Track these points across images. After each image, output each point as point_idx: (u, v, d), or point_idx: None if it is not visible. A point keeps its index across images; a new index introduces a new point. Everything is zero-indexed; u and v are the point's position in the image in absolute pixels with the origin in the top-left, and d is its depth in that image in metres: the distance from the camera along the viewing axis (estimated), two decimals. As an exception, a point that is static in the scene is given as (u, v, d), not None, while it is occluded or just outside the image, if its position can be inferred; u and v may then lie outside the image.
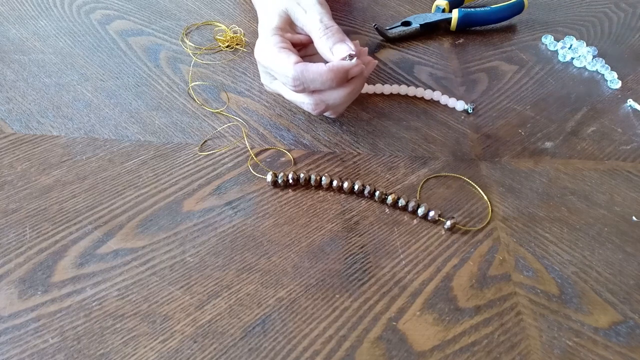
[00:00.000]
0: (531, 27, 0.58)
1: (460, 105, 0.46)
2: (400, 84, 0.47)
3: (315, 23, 0.37)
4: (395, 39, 0.54)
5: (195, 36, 0.52)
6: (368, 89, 0.47)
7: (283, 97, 0.41)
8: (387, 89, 0.47)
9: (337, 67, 0.35)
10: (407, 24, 0.54)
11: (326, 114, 0.40)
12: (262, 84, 0.47)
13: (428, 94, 0.47)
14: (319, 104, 0.37)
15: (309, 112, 0.43)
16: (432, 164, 0.41)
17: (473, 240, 0.36)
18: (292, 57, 0.36)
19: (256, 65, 0.49)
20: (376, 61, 0.40)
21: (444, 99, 0.46)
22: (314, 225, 0.36)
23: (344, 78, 0.36)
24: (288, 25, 0.39)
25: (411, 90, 0.47)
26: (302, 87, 0.36)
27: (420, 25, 0.54)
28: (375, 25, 0.53)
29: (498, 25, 0.58)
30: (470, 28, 0.57)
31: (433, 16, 0.55)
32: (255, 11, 0.53)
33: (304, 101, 0.38)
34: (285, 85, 0.37)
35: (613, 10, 0.62)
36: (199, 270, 0.33)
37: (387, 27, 0.54)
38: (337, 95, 0.37)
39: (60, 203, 0.36)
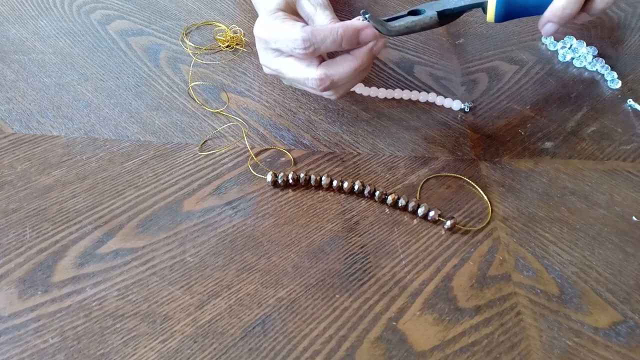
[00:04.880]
0: (531, 27, 0.58)
1: (456, 105, 0.46)
2: (394, 88, 0.47)
3: (323, 19, 0.37)
4: (402, 32, 0.37)
5: (195, 36, 0.52)
6: (363, 90, 0.47)
7: (284, 78, 0.40)
8: (382, 93, 0.47)
9: (348, 25, 0.34)
10: (415, 13, 0.38)
11: (327, 95, 0.39)
12: (262, 84, 0.47)
13: (423, 97, 0.47)
14: (323, 79, 0.36)
15: (311, 101, 0.43)
16: (432, 164, 0.41)
17: (473, 240, 0.36)
18: (298, 24, 0.35)
19: (256, 65, 0.49)
20: (386, 39, 0.38)
21: (440, 100, 0.46)
22: (314, 225, 0.36)
23: (354, 37, 0.35)
24: (291, 10, 0.39)
25: (406, 94, 0.47)
26: (313, 49, 0.34)
27: (439, 13, 0.38)
28: (365, 13, 0.36)
29: (498, 25, 0.58)
30: (510, 19, 0.41)
31: (457, 2, 0.39)
32: (255, 10, 0.53)
33: (309, 77, 0.36)
34: (293, 53, 0.35)
35: (613, 10, 0.62)
36: (199, 270, 0.33)
37: (386, 18, 0.37)
38: (343, 70, 0.36)
39: (60, 203, 0.36)
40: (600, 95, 0.49)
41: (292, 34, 0.34)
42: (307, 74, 0.36)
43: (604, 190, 0.40)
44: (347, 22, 0.35)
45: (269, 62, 0.38)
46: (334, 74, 0.36)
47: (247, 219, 0.36)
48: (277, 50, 0.37)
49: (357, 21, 0.35)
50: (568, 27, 0.58)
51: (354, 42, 0.35)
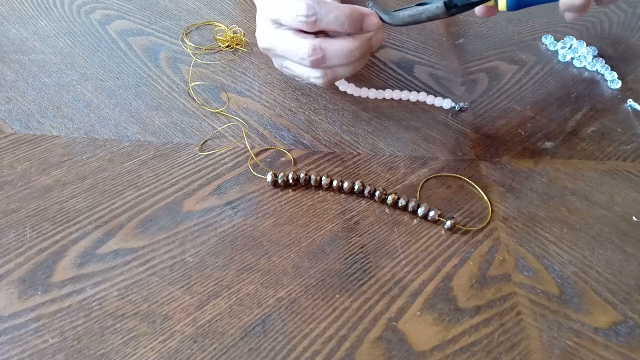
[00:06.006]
0: (531, 27, 0.58)
1: (446, 104, 0.46)
2: (385, 89, 0.47)
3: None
4: (407, 22, 0.38)
5: (195, 36, 0.52)
6: (354, 91, 0.46)
7: (275, 55, 0.39)
8: (373, 93, 0.46)
9: (355, 7, 0.34)
10: (423, 4, 0.38)
11: (315, 77, 0.38)
12: (262, 84, 0.47)
13: (414, 96, 0.46)
14: (316, 49, 0.35)
15: (311, 101, 0.43)
16: (432, 164, 0.41)
17: (473, 240, 0.36)
18: None
19: (256, 65, 0.49)
20: (384, 34, 0.38)
21: (430, 99, 0.46)
22: (314, 225, 0.36)
23: (358, 20, 0.35)
24: None
25: (396, 94, 0.46)
26: (315, 18, 0.34)
27: (445, 3, 0.37)
28: (369, 3, 0.38)
29: (498, 25, 0.58)
30: (523, 8, 0.40)
31: None
32: (255, 8, 0.53)
33: (302, 45, 0.35)
34: (294, 22, 0.35)
35: (613, 10, 0.62)
36: (199, 270, 0.33)
37: (394, 10, 0.38)
38: (339, 46, 0.35)
39: (60, 203, 0.36)
40: (600, 95, 0.49)
41: (297, 1, 0.34)
42: (300, 43, 0.35)
43: (604, 190, 0.40)
44: (355, 5, 0.35)
45: (265, 33, 0.38)
46: (328, 48, 0.35)
47: (247, 219, 0.36)
48: (277, 21, 0.36)
49: (364, 8, 0.35)
50: (569, 26, 0.58)
51: (357, 26, 0.35)
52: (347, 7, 0.34)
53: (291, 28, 0.36)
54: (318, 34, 0.37)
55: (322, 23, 0.34)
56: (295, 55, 0.36)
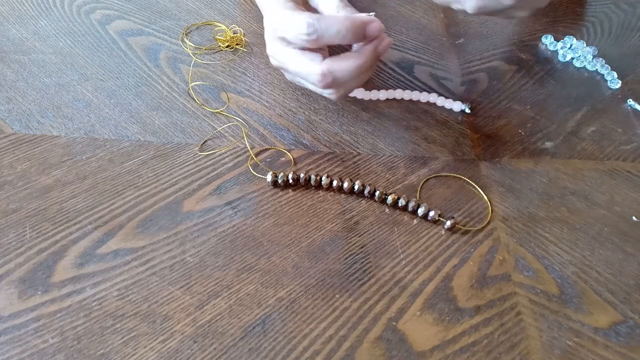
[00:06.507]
0: (531, 27, 0.58)
1: (457, 106, 0.46)
2: (395, 89, 0.47)
3: (334, 2, 0.37)
4: None
5: (195, 36, 0.52)
6: (364, 95, 0.46)
7: (287, 72, 0.40)
8: (383, 94, 0.46)
9: (354, 17, 0.34)
10: None
11: (327, 92, 0.39)
12: (262, 84, 0.47)
13: (424, 97, 0.47)
14: (326, 74, 0.35)
15: (311, 101, 0.43)
16: (432, 164, 0.41)
17: (473, 240, 0.36)
18: (307, 12, 0.35)
19: (256, 65, 0.49)
20: (391, 40, 0.38)
21: (441, 101, 0.46)
22: (314, 225, 0.36)
23: (360, 30, 0.35)
24: (302, 3, 0.39)
25: (407, 94, 0.46)
26: (316, 35, 0.34)
27: None
28: None
29: (498, 25, 0.58)
30: None
31: None
32: (257, 7, 0.53)
33: (311, 71, 0.36)
34: (298, 40, 0.35)
35: (613, 10, 0.62)
36: (199, 270, 0.33)
37: None
38: (346, 67, 0.36)
39: (60, 203, 0.36)
40: (600, 95, 0.49)
41: (298, 19, 0.34)
42: (309, 68, 0.36)
43: (604, 190, 0.40)
44: (355, 14, 0.35)
45: (275, 51, 0.38)
46: (337, 70, 0.35)
47: (247, 219, 0.36)
48: (283, 39, 0.37)
49: (365, 15, 0.35)
50: (569, 26, 0.58)
51: (359, 35, 0.35)
52: (348, 20, 0.34)
53: (298, 45, 0.36)
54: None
55: (324, 39, 0.35)
56: (306, 79, 0.37)
